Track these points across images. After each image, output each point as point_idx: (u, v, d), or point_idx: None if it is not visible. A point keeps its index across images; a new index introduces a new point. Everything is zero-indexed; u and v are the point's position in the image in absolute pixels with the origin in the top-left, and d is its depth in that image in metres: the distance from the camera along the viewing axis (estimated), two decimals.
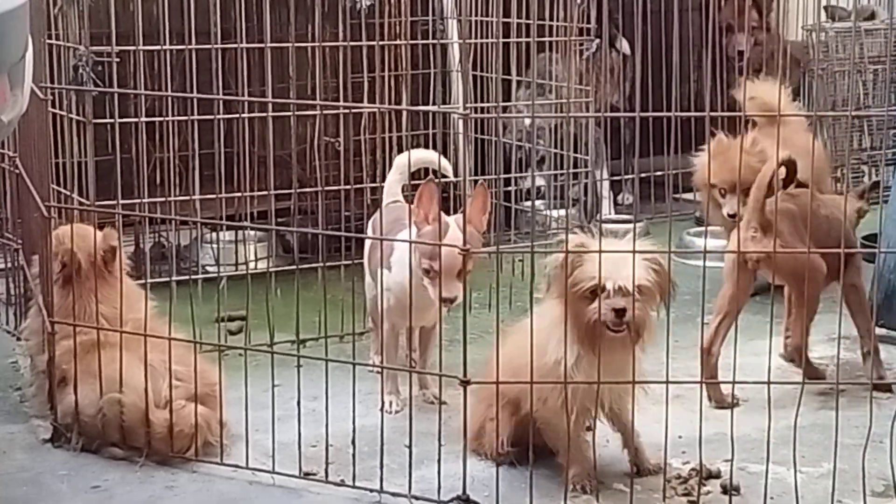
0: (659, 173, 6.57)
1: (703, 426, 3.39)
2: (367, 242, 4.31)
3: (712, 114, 3.83)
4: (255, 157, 5.08)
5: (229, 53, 5.01)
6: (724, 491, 3.48)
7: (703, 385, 3.45)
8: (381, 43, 5.47)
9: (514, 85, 5.93)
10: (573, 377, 3.39)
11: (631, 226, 5.56)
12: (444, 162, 4.50)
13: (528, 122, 6.00)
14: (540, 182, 6.12)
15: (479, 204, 3.91)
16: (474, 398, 3.61)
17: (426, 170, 4.36)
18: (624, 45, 6.93)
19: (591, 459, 3.48)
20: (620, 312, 3.33)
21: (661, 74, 6.21)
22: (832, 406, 3.47)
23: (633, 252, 3.30)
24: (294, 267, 4.27)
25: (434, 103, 5.66)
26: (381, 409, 3.95)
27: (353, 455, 3.53)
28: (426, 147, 5.39)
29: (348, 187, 4.76)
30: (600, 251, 3.31)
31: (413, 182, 4.17)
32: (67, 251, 3.91)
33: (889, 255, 4.71)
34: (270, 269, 4.36)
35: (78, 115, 4.66)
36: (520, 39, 5.89)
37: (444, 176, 4.56)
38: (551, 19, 5.80)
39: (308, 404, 3.60)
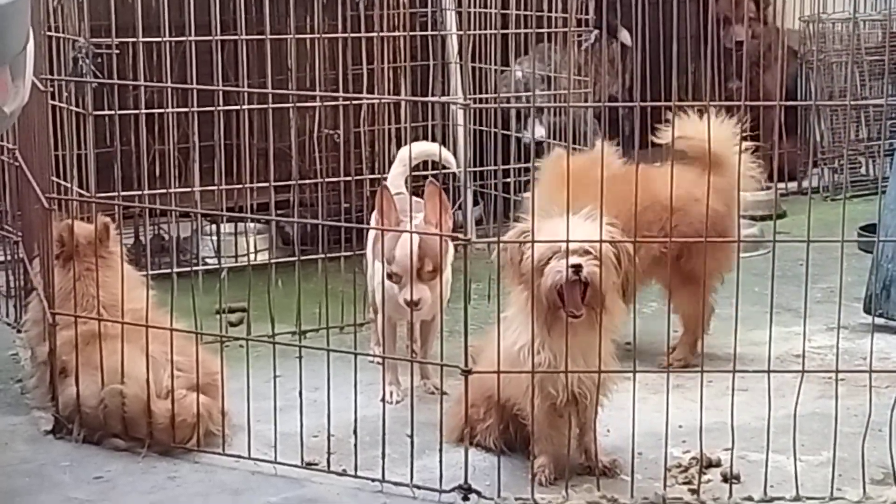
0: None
1: (703, 415, 3.41)
2: (371, 233, 4.32)
3: (712, 103, 3.85)
4: (255, 149, 5.09)
5: (229, 45, 5.01)
6: (725, 479, 3.49)
7: (703, 374, 3.46)
8: (380, 34, 5.47)
9: (512, 76, 5.93)
10: (533, 360, 3.40)
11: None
12: (447, 154, 4.52)
13: (519, 74, 5.99)
14: (540, 132, 6.07)
15: (434, 204, 3.91)
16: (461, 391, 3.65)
17: (429, 162, 4.38)
18: (624, 36, 6.93)
19: (561, 449, 3.50)
20: (577, 267, 3.30)
21: (659, 65, 6.22)
22: (832, 395, 3.48)
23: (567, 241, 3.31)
24: (294, 258, 4.27)
25: (433, 95, 5.67)
26: (383, 400, 3.96)
27: (355, 445, 3.54)
28: (426, 139, 5.40)
29: (348, 179, 4.77)
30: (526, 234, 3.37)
31: (414, 174, 4.18)
32: (66, 227, 3.93)
33: (887, 244, 4.73)
34: (271, 261, 4.36)
35: (78, 107, 4.66)
36: (518, 31, 5.90)
37: (446, 168, 4.58)
38: (550, 10, 5.81)
39: (309, 395, 3.60)
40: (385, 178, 4.48)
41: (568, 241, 3.33)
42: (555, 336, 3.39)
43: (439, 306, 4.08)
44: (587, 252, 3.34)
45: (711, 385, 3.53)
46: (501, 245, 3.46)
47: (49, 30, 4.54)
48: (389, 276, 3.90)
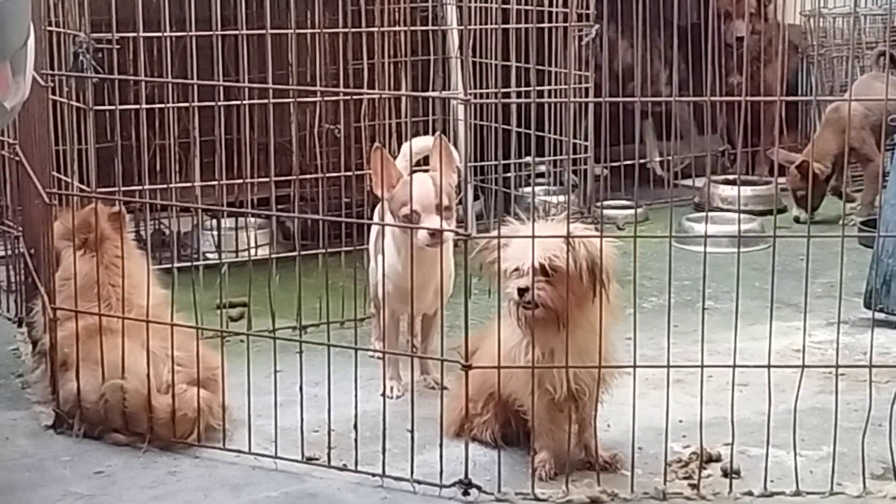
0: (659, 159, 6.59)
1: (704, 410, 3.42)
2: (374, 228, 4.32)
3: (713, 98, 3.85)
4: (256, 143, 5.09)
5: (229, 40, 5.01)
6: (725, 474, 3.50)
7: (703, 369, 3.46)
8: (380, 29, 5.47)
9: (513, 71, 5.93)
10: (522, 357, 3.43)
11: (631, 211, 5.60)
12: (450, 148, 4.51)
13: None
14: None
15: (441, 154, 3.92)
16: (459, 387, 3.66)
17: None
18: None
19: (562, 444, 3.51)
20: (522, 291, 3.36)
21: (661, 61, 6.22)
22: (832, 390, 3.49)
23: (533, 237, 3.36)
24: (295, 253, 4.28)
25: (434, 90, 5.67)
26: (383, 395, 3.96)
27: (356, 440, 3.54)
28: (426, 133, 5.40)
29: (349, 174, 4.77)
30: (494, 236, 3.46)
31: (415, 169, 4.18)
32: (90, 212, 3.93)
33: (887, 239, 4.73)
34: (272, 256, 4.37)
35: (78, 102, 4.66)
36: (519, 25, 5.90)
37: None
38: (551, 5, 5.81)
39: (310, 390, 3.61)
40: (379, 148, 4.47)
41: (533, 237, 3.35)
42: (538, 334, 3.40)
43: (440, 301, 4.09)
44: (542, 268, 3.35)
45: (711, 380, 3.53)
46: (476, 244, 3.49)
47: (49, 25, 4.54)
48: (407, 218, 3.88)
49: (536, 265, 3.36)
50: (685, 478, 3.50)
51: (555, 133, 6.06)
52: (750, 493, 3.41)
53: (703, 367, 3.44)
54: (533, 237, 3.35)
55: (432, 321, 4.25)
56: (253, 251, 5.15)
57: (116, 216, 4.05)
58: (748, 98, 4.40)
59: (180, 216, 5.24)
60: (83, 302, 3.88)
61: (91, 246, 3.98)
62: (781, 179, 6.28)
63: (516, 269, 3.39)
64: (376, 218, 4.34)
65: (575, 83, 5.79)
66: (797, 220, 6.25)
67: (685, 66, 6.72)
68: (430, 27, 5.83)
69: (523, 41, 5.90)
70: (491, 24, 5.90)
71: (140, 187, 4.77)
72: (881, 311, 4.72)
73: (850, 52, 6.77)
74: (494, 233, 3.48)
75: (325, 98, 5.13)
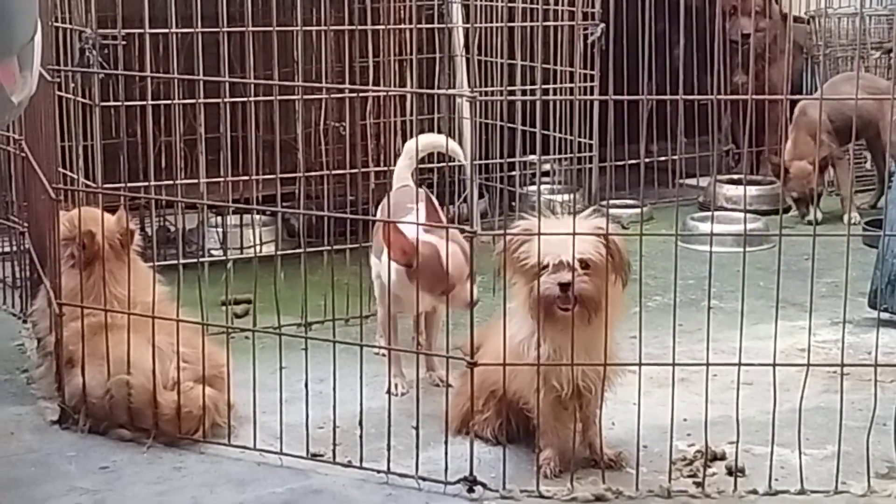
0: (663, 158, 6.59)
1: (708, 409, 3.42)
2: (377, 225, 4.32)
3: (719, 97, 3.85)
4: (261, 141, 5.10)
5: (235, 37, 5.01)
6: (729, 472, 3.49)
7: (708, 368, 3.47)
8: (386, 27, 5.48)
9: (518, 69, 5.93)
10: (531, 353, 3.42)
11: (636, 210, 5.61)
12: (454, 145, 4.51)
13: None
14: None
15: (429, 208, 3.86)
16: (463, 384, 3.66)
17: (435, 153, 4.37)
18: None
19: (566, 442, 3.51)
20: (565, 286, 3.33)
21: (666, 60, 6.21)
22: (836, 389, 3.49)
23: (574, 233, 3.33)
24: (300, 250, 4.28)
25: (439, 87, 5.67)
26: (388, 392, 3.97)
27: (361, 436, 3.54)
28: (431, 131, 5.41)
29: (354, 171, 4.77)
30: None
31: (421, 166, 4.18)
32: (88, 233, 3.92)
33: (892, 239, 4.73)
34: (277, 253, 4.37)
35: (84, 98, 4.66)
36: (524, 24, 5.90)
37: (452, 159, 4.58)
38: (556, 3, 5.81)
39: (315, 386, 3.61)
40: (391, 171, 4.48)
41: (575, 234, 3.33)
42: (554, 330, 3.40)
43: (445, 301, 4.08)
44: (580, 262, 3.34)
45: (716, 378, 3.53)
46: (502, 239, 3.47)
47: (56, 21, 4.55)
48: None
49: (579, 258, 3.34)
50: (690, 476, 3.49)
51: (560, 132, 6.05)
52: (755, 492, 3.41)
53: (707, 365, 3.44)
54: (540, 232, 3.35)
55: (433, 318, 4.25)
56: (258, 248, 5.15)
57: (124, 232, 4.01)
58: (754, 97, 4.40)
59: (186, 213, 5.24)
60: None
61: (91, 260, 3.96)
62: None
63: (557, 264, 3.34)
64: (380, 215, 4.34)
65: (580, 81, 5.78)
66: (812, 221, 6.18)
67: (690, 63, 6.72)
68: (435, 25, 5.83)
69: (529, 39, 5.90)
70: (496, 22, 5.90)
71: (145, 184, 4.78)
72: (886, 310, 4.72)
73: (857, 52, 6.77)
74: (530, 228, 3.42)
75: (331, 95, 5.14)
